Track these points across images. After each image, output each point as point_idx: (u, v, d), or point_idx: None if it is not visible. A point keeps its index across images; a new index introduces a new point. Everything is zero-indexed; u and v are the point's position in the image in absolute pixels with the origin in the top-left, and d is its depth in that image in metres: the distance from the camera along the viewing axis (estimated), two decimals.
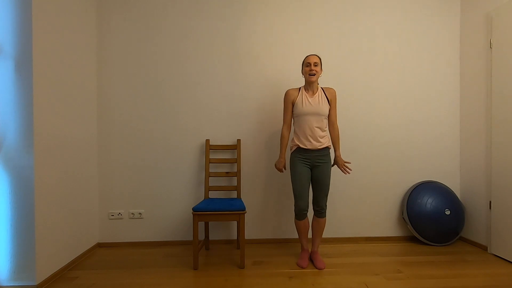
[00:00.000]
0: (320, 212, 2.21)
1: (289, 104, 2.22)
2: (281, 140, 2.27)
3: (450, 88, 2.81)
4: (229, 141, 2.69)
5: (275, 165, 2.29)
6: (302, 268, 2.15)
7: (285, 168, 2.32)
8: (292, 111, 2.24)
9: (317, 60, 2.14)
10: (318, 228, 2.24)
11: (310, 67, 2.13)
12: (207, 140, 2.59)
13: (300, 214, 2.18)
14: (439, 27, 2.79)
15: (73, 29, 2.26)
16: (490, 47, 2.45)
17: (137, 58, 2.64)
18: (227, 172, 2.59)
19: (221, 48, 2.68)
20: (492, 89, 2.44)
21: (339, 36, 2.73)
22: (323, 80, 2.72)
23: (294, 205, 2.19)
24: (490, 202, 2.44)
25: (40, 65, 1.88)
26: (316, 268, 2.15)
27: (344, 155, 2.73)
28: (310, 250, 2.43)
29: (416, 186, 2.67)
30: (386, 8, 2.76)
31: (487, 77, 2.49)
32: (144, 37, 2.64)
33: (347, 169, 2.12)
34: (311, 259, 2.28)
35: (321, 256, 2.38)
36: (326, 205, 2.22)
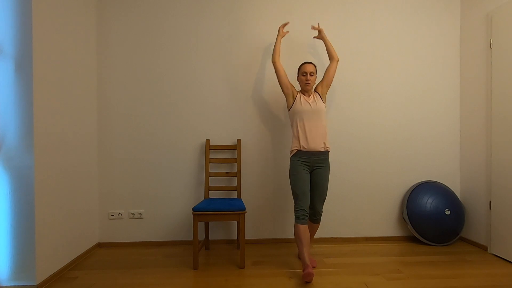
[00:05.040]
0: (315, 218, 2.20)
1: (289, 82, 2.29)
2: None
3: (450, 88, 2.81)
4: (229, 141, 2.69)
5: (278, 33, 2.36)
6: (312, 277, 1.88)
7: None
8: (290, 110, 2.24)
9: (312, 70, 2.19)
10: (311, 231, 2.27)
11: (306, 77, 2.18)
12: (207, 140, 2.59)
13: (302, 217, 2.04)
14: (439, 27, 2.79)
15: (73, 29, 2.26)
16: (490, 47, 2.45)
17: (137, 58, 2.64)
18: (227, 172, 2.59)
19: (222, 48, 2.68)
20: (492, 89, 2.44)
21: (340, 35, 2.73)
22: None
23: (296, 206, 2.09)
24: (490, 202, 2.44)
25: (40, 65, 1.88)
26: None
27: (344, 155, 2.73)
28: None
29: (416, 186, 2.67)
30: (386, 8, 2.76)
31: (487, 77, 2.49)
32: (144, 37, 2.64)
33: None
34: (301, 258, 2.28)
35: (320, 256, 2.37)
36: (322, 211, 2.21)
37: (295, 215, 2.09)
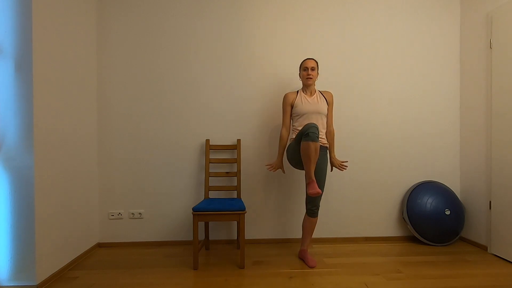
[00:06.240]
0: (313, 211, 2.20)
1: (288, 106, 2.30)
2: (279, 141, 2.33)
3: (450, 88, 2.81)
4: (229, 141, 2.69)
5: (270, 164, 2.32)
6: (318, 194, 1.89)
7: (283, 171, 2.39)
8: (292, 113, 2.31)
9: (314, 65, 2.23)
10: (310, 226, 2.25)
11: (307, 72, 2.23)
12: (207, 140, 2.59)
13: (312, 135, 1.89)
14: (439, 27, 2.79)
15: (73, 29, 2.26)
16: (490, 47, 2.45)
17: (137, 58, 2.64)
18: (227, 172, 2.59)
19: (222, 48, 2.68)
20: (492, 89, 2.44)
21: (340, 34, 2.73)
22: (324, 79, 2.72)
23: (305, 129, 1.95)
24: (490, 202, 2.44)
25: (40, 65, 1.88)
26: (308, 267, 2.16)
27: (344, 154, 2.73)
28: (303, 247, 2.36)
29: (416, 186, 2.67)
30: (386, 8, 2.76)
31: (487, 77, 2.49)
32: (144, 37, 2.64)
33: (344, 166, 2.34)
34: (302, 259, 2.29)
35: (320, 256, 2.38)
36: (319, 205, 2.24)
37: (304, 134, 1.93)
